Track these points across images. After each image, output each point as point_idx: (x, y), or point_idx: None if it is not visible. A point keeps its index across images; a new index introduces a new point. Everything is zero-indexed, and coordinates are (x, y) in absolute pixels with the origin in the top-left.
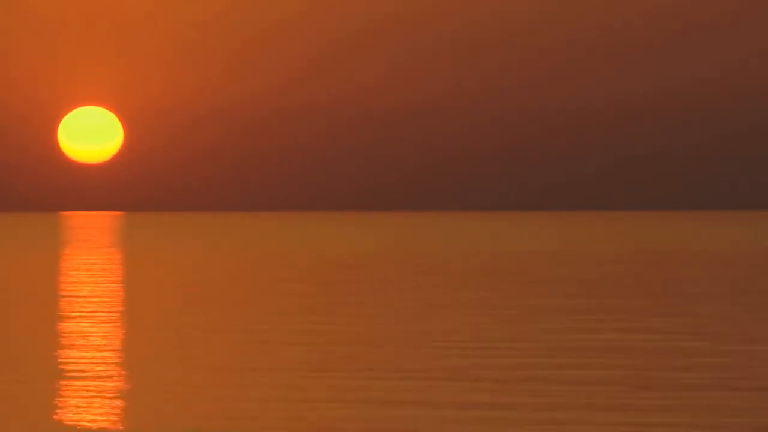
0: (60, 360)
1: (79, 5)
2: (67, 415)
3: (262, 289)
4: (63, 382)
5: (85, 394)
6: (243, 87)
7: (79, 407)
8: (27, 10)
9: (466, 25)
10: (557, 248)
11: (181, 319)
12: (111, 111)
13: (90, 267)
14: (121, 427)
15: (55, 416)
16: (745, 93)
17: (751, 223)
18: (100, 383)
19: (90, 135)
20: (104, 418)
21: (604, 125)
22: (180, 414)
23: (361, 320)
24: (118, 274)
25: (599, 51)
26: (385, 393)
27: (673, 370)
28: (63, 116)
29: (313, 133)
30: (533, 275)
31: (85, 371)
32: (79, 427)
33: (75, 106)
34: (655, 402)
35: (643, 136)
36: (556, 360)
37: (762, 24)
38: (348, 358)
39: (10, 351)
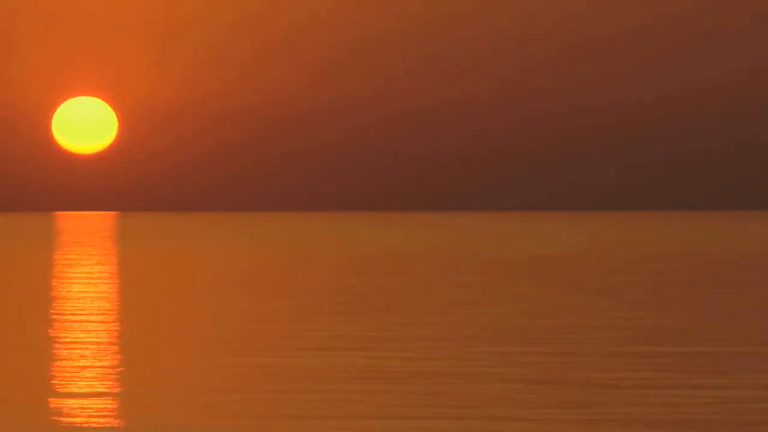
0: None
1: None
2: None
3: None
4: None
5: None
6: (255, 89)
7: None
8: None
9: (488, 25)
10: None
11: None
12: (108, 103)
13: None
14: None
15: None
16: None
17: None
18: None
19: (85, 125)
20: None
21: (630, 126)
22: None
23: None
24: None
25: (620, 51)
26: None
27: None
28: (57, 107)
29: (326, 135)
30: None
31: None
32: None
33: (69, 96)
34: None
35: (669, 136)
36: None
37: None
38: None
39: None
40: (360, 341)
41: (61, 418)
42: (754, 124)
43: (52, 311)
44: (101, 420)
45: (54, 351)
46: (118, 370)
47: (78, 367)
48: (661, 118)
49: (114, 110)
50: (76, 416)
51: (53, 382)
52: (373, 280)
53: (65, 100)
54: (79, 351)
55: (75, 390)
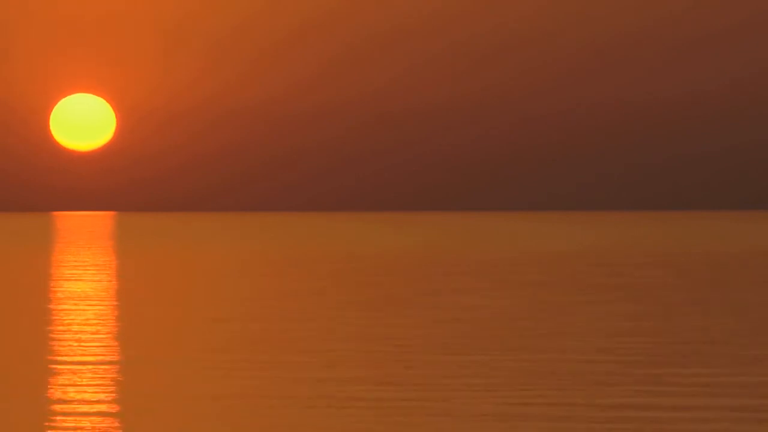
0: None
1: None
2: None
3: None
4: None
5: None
6: (255, 89)
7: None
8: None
9: (488, 26)
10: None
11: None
12: (107, 101)
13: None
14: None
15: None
16: None
17: None
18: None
19: (83, 123)
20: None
21: (636, 125)
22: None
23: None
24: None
25: (621, 52)
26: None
27: None
28: (55, 104)
29: (326, 135)
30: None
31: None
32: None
33: (67, 93)
34: None
35: (679, 136)
36: None
37: None
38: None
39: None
40: (358, 338)
41: (60, 421)
42: (755, 125)
43: (47, 313)
44: (100, 423)
45: (51, 351)
46: (117, 371)
47: (75, 363)
48: (662, 119)
49: (113, 108)
50: (76, 419)
51: (51, 382)
52: (372, 279)
53: (63, 97)
54: (77, 351)
55: (72, 393)
